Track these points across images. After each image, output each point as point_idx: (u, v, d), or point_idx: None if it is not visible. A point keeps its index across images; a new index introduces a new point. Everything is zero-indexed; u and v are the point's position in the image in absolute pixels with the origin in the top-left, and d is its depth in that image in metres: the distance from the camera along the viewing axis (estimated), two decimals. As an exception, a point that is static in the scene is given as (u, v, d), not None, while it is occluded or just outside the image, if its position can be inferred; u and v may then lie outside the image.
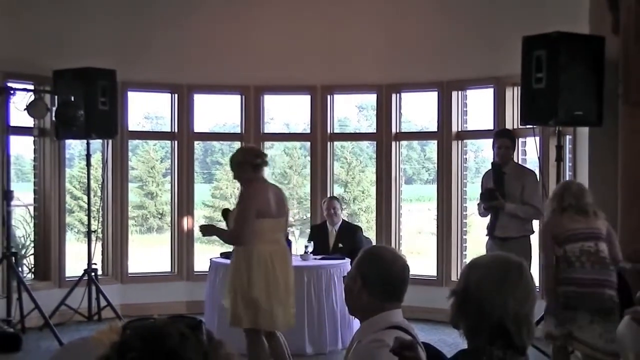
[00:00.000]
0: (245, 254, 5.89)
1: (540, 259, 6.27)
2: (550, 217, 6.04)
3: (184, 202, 9.72)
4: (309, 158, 10.48)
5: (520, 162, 8.10)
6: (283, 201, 6.14)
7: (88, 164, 9.06)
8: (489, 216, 7.41)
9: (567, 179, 7.78)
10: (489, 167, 7.67)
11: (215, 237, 6.82)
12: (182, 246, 9.67)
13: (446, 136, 9.27)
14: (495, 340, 2.56)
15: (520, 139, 8.26)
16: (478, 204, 7.55)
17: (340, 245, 8.49)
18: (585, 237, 5.73)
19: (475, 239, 10.54)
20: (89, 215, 9.08)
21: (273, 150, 19.77)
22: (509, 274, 2.61)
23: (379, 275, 3.02)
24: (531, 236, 7.32)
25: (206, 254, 10.02)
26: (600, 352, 5.57)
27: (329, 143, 9.85)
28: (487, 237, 7.45)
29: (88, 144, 8.94)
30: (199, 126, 10.19)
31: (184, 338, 1.46)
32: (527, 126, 7.51)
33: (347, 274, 3.16)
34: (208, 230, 6.50)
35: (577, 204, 5.83)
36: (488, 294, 2.57)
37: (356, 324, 7.25)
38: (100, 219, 9.36)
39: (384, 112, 9.64)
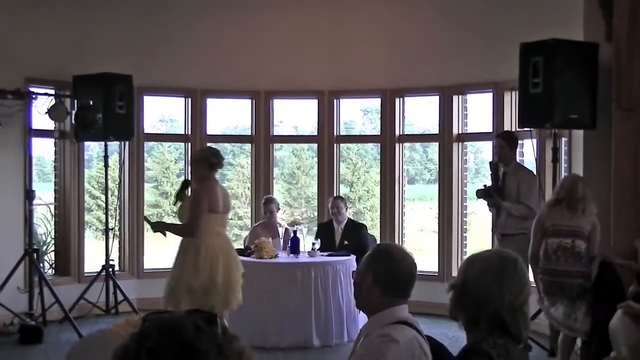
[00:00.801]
0: (194, 245, 6.16)
1: (530, 248, 6.44)
2: (544, 209, 6.42)
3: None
4: (316, 159, 10.49)
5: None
6: (228, 199, 6.55)
7: (106, 165, 9.08)
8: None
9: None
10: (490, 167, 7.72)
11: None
12: (195, 243, 9.68)
13: (447, 138, 9.28)
14: (493, 330, 2.59)
15: (518, 141, 8.26)
16: None
17: (346, 242, 8.50)
18: (565, 234, 6.12)
19: (475, 237, 10.54)
20: (106, 214, 9.10)
21: (282, 152, 19.76)
22: (504, 269, 2.65)
23: (389, 272, 3.00)
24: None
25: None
26: (563, 326, 6.12)
27: (335, 145, 9.86)
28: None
29: (106, 145, 8.97)
30: (211, 129, 10.20)
31: (199, 330, 1.47)
32: (525, 129, 7.52)
33: (357, 270, 3.14)
34: (159, 227, 6.77)
35: (569, 198, 6.12)
36: (485, 287, 2.61)
37: (361, 317, 7.26)
38: (118, 217, 9.39)
39: (387, 116, 9.65)
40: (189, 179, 6.62)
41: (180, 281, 6.17)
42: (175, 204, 6.71)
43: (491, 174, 7.55)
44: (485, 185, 7.50)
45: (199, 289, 6.09)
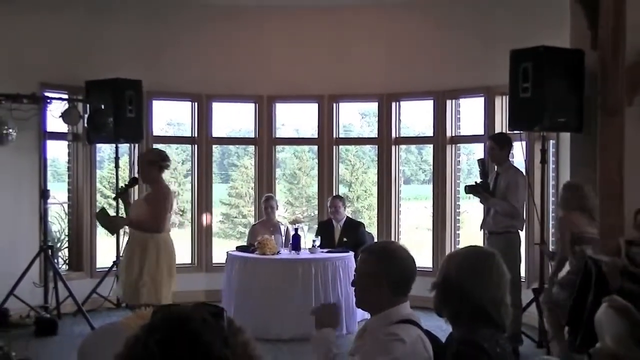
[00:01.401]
0: (154, 240, 6.20)
1: (558, 250, 6.66)
2: (569, 214, 6.43)
3: (203, 200, 9.76)
4: (316, 160, 10.50)
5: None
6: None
7: (117, 166, 9.08)
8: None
9: (554, 180, 7.83)
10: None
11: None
12: (202, 240, 9.70)
13: (441, 141, 9.29)
14: (477, 323, 2.61)
15: (511, 143, 8.24)
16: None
17: (345, 239, 8.51)
18: (589, 241, 6.28)
19: (468, 234, 10.55)
20: (117, 213, 9.10)
21: (284, 154, 19.79)
22: (482, 263, 2.69)
23: (396, 272, 2.91)
24: (521, 233, 7.25)
25: (223, 247, 10.07)
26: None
27: (334, 147, 9.88)
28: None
29: (117, 147, 8.98)
30: (217, 131, 10.22)
31: (205, 322, 1.49)
32: (515, 131, 7.52)
33: (362, 270, 3.00)
34: (118, 222, 6.85)
35: (589, 207, 6.32)
36: (464, 283, 2.63)
37: (360, 311, 7.27)
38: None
39: (384, 119, 9.67)
40: (138, 177, 6.66)
41: (144, 274, 6.17)
42: (115, 199, 6.70)
43: (479, 171, 7.53)
44: (476, 182, 7.49)
45: (161, 280, 6.17)
